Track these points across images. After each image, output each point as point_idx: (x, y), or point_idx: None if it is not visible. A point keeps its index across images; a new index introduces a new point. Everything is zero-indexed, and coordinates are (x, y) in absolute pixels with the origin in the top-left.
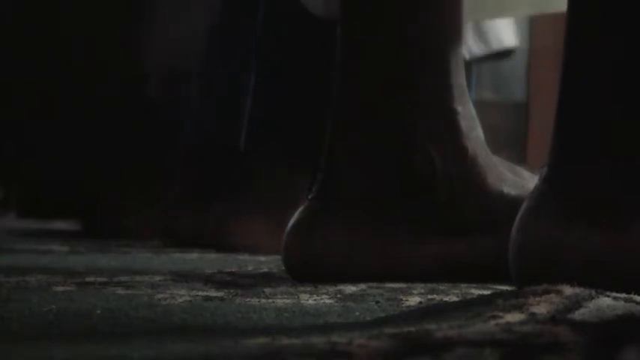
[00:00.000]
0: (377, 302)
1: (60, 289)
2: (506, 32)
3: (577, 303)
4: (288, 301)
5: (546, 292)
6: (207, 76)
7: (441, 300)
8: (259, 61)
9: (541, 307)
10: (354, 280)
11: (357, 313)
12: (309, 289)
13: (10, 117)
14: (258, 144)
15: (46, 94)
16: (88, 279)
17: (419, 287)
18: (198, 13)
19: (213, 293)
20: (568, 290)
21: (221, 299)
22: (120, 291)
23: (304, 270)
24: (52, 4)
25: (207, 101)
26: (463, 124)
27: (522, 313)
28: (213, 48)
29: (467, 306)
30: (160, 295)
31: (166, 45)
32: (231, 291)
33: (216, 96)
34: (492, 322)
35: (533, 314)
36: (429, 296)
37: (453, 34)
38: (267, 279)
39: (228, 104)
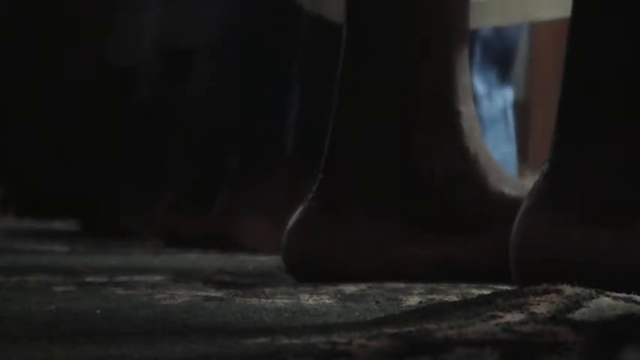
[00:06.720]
0: (377, 302)
1: (60, 289)
2: None
3: (577, 303)
4: (288, 301)
5: (546, 292)
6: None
7: (441, 300)
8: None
9: (541, 307)
10: (354, 280)
11: (357, 313)
12: (309, 289)
13: (10, 117)
14: (260, 145)
15: (45, 95)
16: (88, 279)
17: (419, 287)
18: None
19: (213, 293)
20: (568, 290)
21: (221, 299)
22: (120, 291)
23: (304, 270)
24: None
25: (213, 102)
26: (465, 124)
27: (522, 313)
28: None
29: (467, 306)
30: (159, 295)
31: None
32: (231, 291)
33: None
34: (492, 322)
35: (533, 314)
36: (429, 296)
37: (458, 35)
38: (267, 279)
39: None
